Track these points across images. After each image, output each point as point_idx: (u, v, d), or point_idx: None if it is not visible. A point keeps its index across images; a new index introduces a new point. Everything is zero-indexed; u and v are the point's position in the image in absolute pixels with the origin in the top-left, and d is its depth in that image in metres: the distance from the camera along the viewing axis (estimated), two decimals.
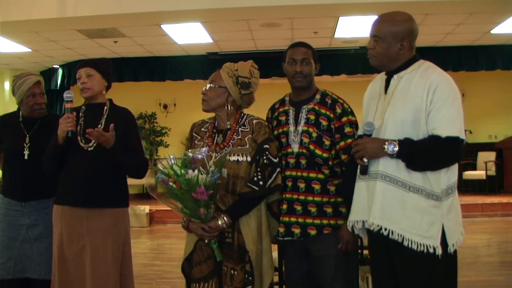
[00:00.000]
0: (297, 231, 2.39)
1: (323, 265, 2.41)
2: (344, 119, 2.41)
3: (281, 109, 2.54)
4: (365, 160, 2.11)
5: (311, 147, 2.40)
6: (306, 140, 2.41)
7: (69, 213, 2.65)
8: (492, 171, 9.73)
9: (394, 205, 2.06)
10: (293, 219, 2.40)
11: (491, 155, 9.93)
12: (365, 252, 4.22)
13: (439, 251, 2.01)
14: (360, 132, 2.41)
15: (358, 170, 2.21)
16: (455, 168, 2.11)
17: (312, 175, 2.40)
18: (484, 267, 5.16)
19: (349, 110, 2.44)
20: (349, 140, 2.34)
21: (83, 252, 2.62)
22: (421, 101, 2.04)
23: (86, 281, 2.59)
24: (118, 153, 2.64)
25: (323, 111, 2.42)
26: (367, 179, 2.16)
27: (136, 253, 6.25)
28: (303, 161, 2.41)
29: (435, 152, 2.03)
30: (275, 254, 3.62)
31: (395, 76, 2.17)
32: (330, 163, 2.40)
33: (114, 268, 2.63)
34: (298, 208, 2.40)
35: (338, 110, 2.42)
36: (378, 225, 2.07)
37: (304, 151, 2.41)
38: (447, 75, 2.12)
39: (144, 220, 8.50)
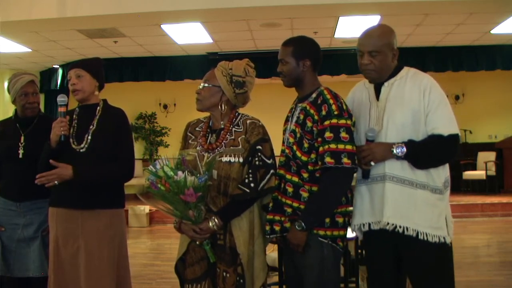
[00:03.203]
0: (277, 228, 2.32)
1: (302, 274, 2.32)
2: (327, 122, 2.22)
3: (292, 105, 2.48)
4: (372, 164, 2.23)
5: (294, 147, 2.30)
6: (291, 140, 2.32)
7: (64, 215, 2.64)
8: (492, 171, 9.73)
9: (405, 203, 2.19)
10: (276, 218, 2.32)
11: (491, 155, 9.93)
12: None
13: (448, 240, 2.20)
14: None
15: (360, 175, 2.30)
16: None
17: (288, 176, 2.32)
18: (484, 267, 5.16)
19: (336, 113, 2.22)
20: (327, 146, 2.19)
21: (78, 254, 2.61)
22: (419, 104, 2.20)
23: (81, 282, 2.58)
24: (84, 177, 2.58)
25: (311, 111, 2.28)
26: (369, 183, 2.29)
27: (136, 253, 6.28)
28: (286, 161, 2.35)
29: (439, 150, 2.20)
30: (274, 254, 3.62)
31: (386, 84, 2.31)
32: (309, 167, 2.26)
33: (110, 270, 2.61)
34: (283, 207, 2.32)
35: (323, 112, 2.23)
36: (393, 224, 2.19)
37: (287, 151, 2.34)
38: (433, 79, 2.30)
39: (144, 220, 8.50)
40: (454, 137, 2.19)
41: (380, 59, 2.25)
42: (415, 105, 2.19)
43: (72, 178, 2.53)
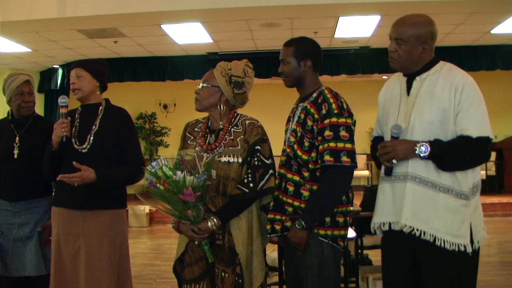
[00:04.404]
0: (278, 227, 2.33)
1: (302, 273, 2.32)
2: (327, 121, 2.22)
3: (293, 106, 2.49)
4: (394, 161, 2.13)
5: (295, 146, 2.30)
6: (292, 139, 2.33)
7: (65, 215, 2.65)
8: (492, 171, 9.73)
9: (425, 206, 2.09)
10: (277, 217, 2.33)
11: (491, 155, 9.91)
12: (365, 252, 4.23)
13: (469, 249, 2.06)
14: (375, 133, 2.42)
15: (382, 172, 2.23)
16: (479, 166, 2.16)
17: (289, 175, 2.32)
18: (484, 267, 5.12)
19: (336, 111, 2.23)
20: (326, 145, 2.20)
21: (79, 254, 2.62)
22: (449, 102, 2.08)
23: (81, 282, 2.59)
24: (105, 181, 2.61)
25: (312, 110, 2.28)
26: (392, 181, 2.19)
27: (136, 253, 6.28)
28: (287, 160, 2.36)
29: (466, 152, 2.07)
30: (274, 254, 3.63)
31: (418, 78, 2.19)
32: (310, 166, 2.27)
33: (110, 270, 2.62)
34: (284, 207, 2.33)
35: (323, 111, 2.24)
36: (411, 226, 2.10)
37: (288, 150, 2.35)
38: (470, 76, 2.15)
39: (144, 220, 8.50)
40: (483, 140, 2.05)
41: (405, 49, 2.14)
42: (445, 103, 2.07)
43: (94, 182, 2.55)
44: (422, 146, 2.05)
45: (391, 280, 2.28)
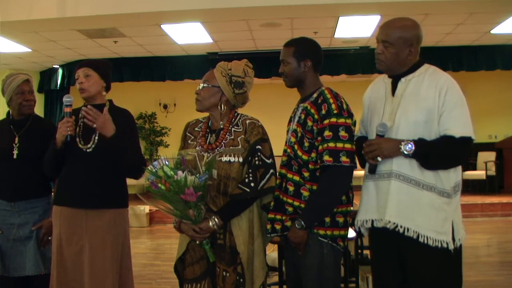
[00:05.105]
0: (278, 227, 2.33)
1: (302, 273, 2.33)
2: (326, 121, 2.23)
3: (295, 106, 2.50)
4: (379, 159, 2.17)
5: (295, 147, 2.31)
6: (293, 139, 2.34)
7: (68, 214, 2.65)
8: (492, 171, 9.73)
9: (409, 203, 2.14)
10: (278, 217, 2.33)
11: (491, 155, 9.93)
12: (365, 252, 4.23)
13: (451, 246, 2.11)
14: (358, 133, 2.43)
15: (366, 170, 2.25)
16: (459, 166, 2.22)
17: (289, 175, 2.33)
18: (484, 267, 5.16)
19: (335, 112, 2.23)
20: (326, 145, 2.21)
21: (82, 253, 2.62)
22: (433, 103, 2.13)
23: (84, 281, 2.60)
24: (119, 145, 2.60)
25: (312, 110, 2.29)
26: (376, 179, 2.23)
27: (136, 253, 6.27)
28: (287, 160, 2.36)
29: (450, 151, 2.14)
30: (274, 254, 3.63)
31: (403, 79, 2.24)
32: (310, 166, 2.27)
33: (113, 269, 2.62)
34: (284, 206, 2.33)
35: (323, 111, 2.25)
36: (395, 223, 2.14)
37: (289, 150, 2.36)
38: (453, 78, 2.21)
39: (144, 220, 8.50)
40: (465, 140, 2.12)
41: (392, 51, 2.20)
42: (429, 104, 2.13)
43: (108, 138, 2.56)
44: (407, 144, 2.10)
45: (380, 278, 2.31)
